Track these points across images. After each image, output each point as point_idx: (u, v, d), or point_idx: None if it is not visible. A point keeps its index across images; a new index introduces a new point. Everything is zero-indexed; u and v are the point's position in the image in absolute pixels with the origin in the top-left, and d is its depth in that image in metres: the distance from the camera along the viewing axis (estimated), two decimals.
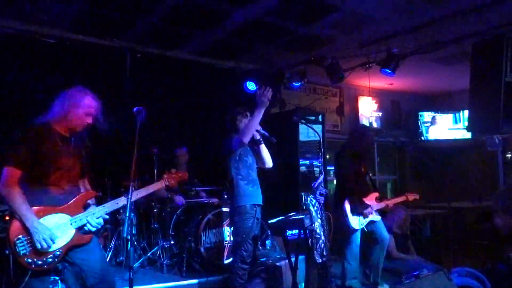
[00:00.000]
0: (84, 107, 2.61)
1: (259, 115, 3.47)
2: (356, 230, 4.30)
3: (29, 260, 2.39)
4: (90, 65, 5.37)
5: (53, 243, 2.43)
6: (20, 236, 2.39)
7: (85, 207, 2.63)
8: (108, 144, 5.18)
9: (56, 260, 2.45)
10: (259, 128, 3.65)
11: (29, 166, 2.47)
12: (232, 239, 4.49)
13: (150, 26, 5.23)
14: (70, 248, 2.52)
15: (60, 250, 2.47)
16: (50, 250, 2.43)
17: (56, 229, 2.47)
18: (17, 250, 2.37)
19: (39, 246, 2.38)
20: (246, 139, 3.50)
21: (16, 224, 2.41)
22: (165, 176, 2.96)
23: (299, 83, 6.46)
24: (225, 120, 3.78)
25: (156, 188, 2.90)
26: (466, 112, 4.57)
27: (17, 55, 4.94)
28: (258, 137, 3.68)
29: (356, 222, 4.26)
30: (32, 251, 2.40)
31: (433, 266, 4.74)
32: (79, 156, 2.68)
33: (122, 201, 2.69)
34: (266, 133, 3.67)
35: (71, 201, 2.58)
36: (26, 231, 2.40)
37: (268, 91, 3.42)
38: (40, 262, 2.41)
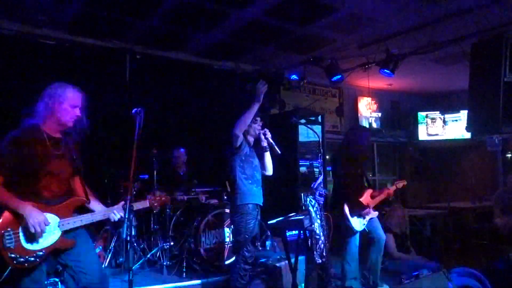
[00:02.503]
0: (69, 99, 2.57)
1: (254, 109, 3.51)
2: (357, 232, 4.30)
3: (12, 255, 2.33)
4: (90, 67, 5.38)
5: (46, 225, 2.40)
6: (9, 229, 2.35)
7: (75, 211, 2.60)
8: (108, 145, 5.20)
9: (37, 260, 2.40)
10: (268, 136, 3.72)
11: (13, 171, 2.43)
12: (232, 239, 4.49)
13: (149, 27, 5.24)
14: (53, 251, 2.47)
15: (43, 251, 2.43)
16: (34, 249, 2.40)
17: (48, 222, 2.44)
18: (3, 242, 2.32)
19: (33, 230, 2.35)
20: (238, 132, 3.52)
21: (7, 216, 2.36)
22: (149, 197, 2.91)
23: (299, 84, 6.46)
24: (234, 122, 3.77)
25: (140, 207, 2.82)
26: (466, 112, 4.55)
27: (16, 56, 4.94)
28: (265, 144, 3.73)
29: (357, 223, 4.26)
30: (17, 247, 2.35)
31: (433, 265, 4.73)
32: (70, 157, 2.63)
33: (98, 215, 2.65)
34: (274, 143, 3.71)
35: (62, 203, 2.55)
36: (16, 224, 2.37)
37: (264, 86, 3.47)
38: (21, 260, 2.35)
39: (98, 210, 2.69)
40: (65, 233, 2.51)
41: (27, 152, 2.45)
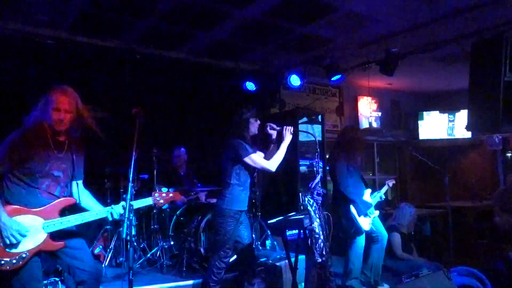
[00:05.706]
0: (52, 102, 2.50)
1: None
2: (364, 231, 4.31)
3: None
4: (90, 66, 5.38)
5: (23, 237, 2.35)
6: None
7: (62, 212, 2.54)
8: (108, 145, 5.19)
9: (20, 262, 2.37)
10: (274, 126, 3.72)
11: (11, 166, 2.42)
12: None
13: (149, 26, 5.23)
14: (38, 252, 2.43)
15: (27, 253, 2.39)
16: (17, 251, 2.36)
17: (25, 230, 2.39)
18: None
19: (8, 241, 2.32)
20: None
21: None
22: (155, 194, 2.80)
23: (299, 83, 6.45)
24: (234, 121, 3.70)
25: (142, 205, 2.73)
26: (466, 112, 4.55)
27: (16, 56, 4.94)
28: (274, 136, 3.74)
29: (364, 223, 4.27)
30: None
31: (434, 266, 4.73)
32: (72, 160, 2.62)
33: (89, 215, 2.59)
34: (279, 127, 3.71)
35: (49, 205, 2.50)
36: None
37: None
38: (3, 262, 2.33)
39: (92, 209, 2.64)
40: (52, 234, 2.46)
41: (30, 151, 2.44)
